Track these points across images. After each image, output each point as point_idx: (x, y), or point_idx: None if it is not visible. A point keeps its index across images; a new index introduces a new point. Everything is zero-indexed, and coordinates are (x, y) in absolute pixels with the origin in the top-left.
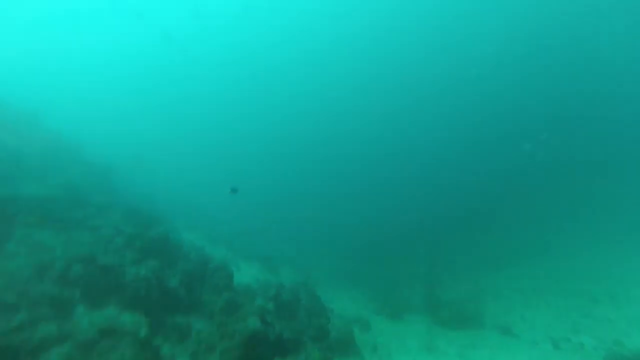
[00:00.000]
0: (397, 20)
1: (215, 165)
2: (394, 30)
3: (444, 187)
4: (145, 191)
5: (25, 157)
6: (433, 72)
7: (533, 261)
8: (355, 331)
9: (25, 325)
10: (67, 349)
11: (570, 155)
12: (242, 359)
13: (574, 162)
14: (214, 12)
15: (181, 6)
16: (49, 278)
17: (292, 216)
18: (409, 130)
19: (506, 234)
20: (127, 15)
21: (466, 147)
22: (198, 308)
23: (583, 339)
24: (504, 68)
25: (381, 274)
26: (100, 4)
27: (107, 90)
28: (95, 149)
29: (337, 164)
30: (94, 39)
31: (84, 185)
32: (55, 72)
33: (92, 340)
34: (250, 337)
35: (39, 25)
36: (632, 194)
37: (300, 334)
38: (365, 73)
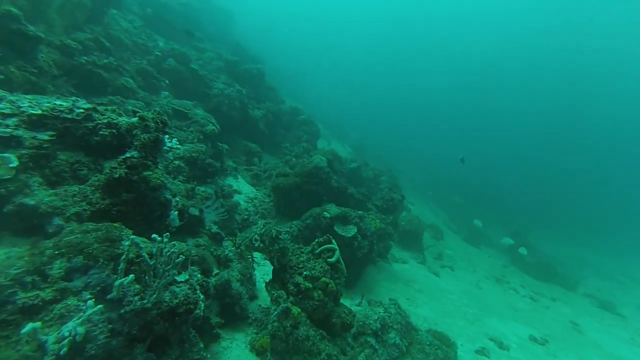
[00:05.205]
0: None
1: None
2: None
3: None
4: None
5: None
6: None
7: None
8: (426, 234)
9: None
10: (142, 105)
11: None
12: (296, 187)
13: None
14: None
15: None
16: (147, 60)
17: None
18: None
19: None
20: None
21: None
22: (274, 149)
23: None
24: None
25: (469, 210)
26: None
27: None
28: None
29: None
30: None
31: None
32: None
33: (165, 112)
34: (311, 170)
35: None
36: None
37: (367, 198)
38: None
